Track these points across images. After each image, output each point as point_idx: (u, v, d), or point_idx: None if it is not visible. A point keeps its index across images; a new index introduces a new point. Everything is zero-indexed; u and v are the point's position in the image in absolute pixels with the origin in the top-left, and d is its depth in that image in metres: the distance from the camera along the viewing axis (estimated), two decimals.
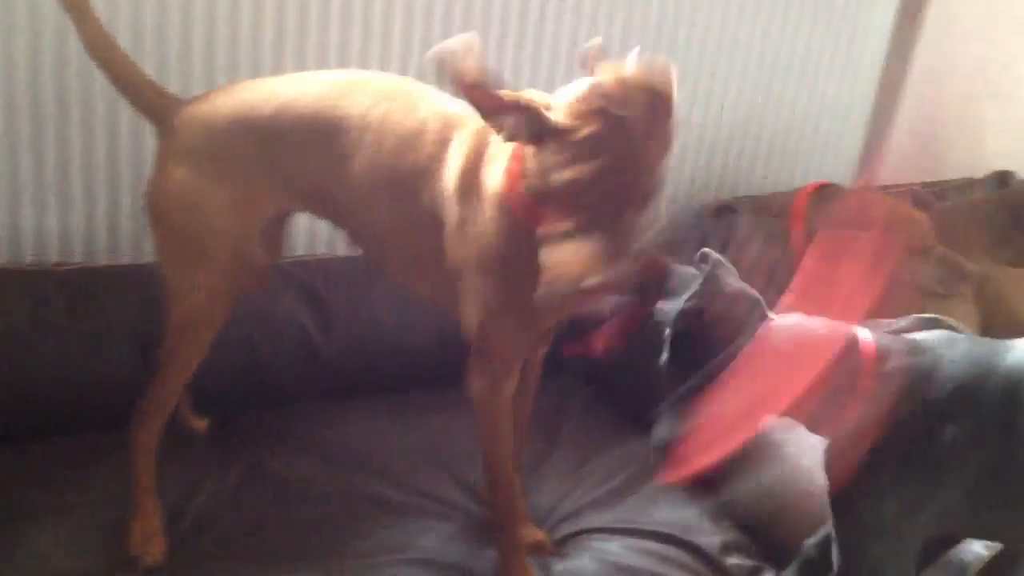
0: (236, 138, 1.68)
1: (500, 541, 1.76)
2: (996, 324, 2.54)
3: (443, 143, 1.63)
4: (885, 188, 3.10)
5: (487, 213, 1.58)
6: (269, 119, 1.68)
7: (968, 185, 3.22)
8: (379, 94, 1.68)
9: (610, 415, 2.26)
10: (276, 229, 1.87)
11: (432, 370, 2.18)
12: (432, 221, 1.64)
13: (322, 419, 2.09)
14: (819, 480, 1.61)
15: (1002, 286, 2.66)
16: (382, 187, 1.66)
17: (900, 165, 3.25)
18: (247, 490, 1.88)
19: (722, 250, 1.82)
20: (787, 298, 2.39)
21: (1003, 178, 3.24)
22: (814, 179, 2.94)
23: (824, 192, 2.59)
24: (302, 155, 1.69)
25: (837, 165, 3.06)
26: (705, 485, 2.02)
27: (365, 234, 1.76)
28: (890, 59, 3.01)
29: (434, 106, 1.67)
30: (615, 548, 1.86)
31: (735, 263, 1.51)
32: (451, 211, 1.61)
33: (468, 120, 1.63)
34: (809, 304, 1.48)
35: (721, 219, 2.63)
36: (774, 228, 2.56)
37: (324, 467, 1.97)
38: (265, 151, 1.69)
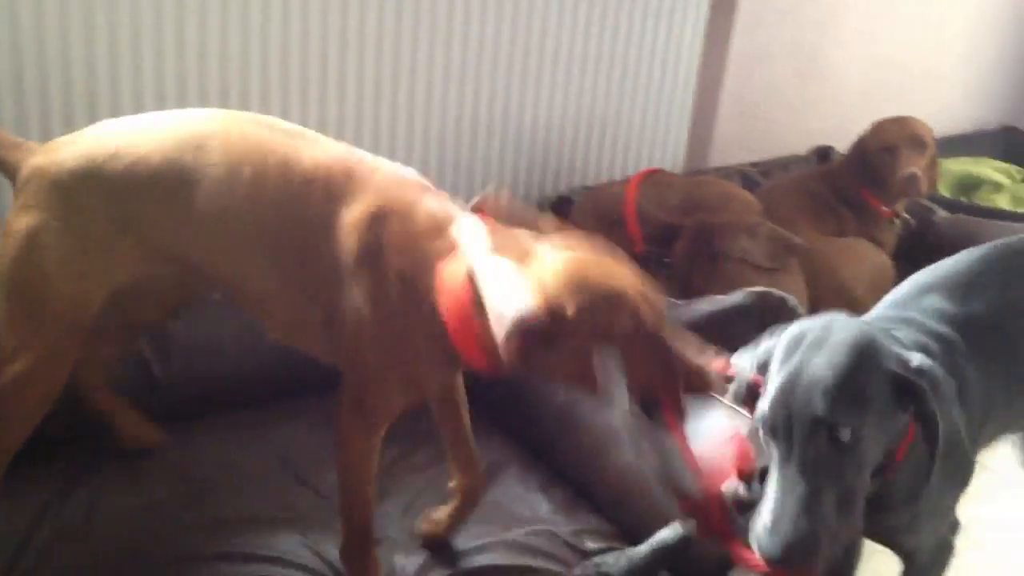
0: (83, 195, 1.55)
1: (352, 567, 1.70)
2: (824, 293, 2.66)
3: (332, 199, 1.53)
4: (715, 170, 3.22)
5: (403, 301, 1.50)
6: (120, 176, 1.54)
7: (792, 162, 3.37)
8: (246, 141, 1.56)
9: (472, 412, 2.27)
10: (162, 290, 1.77)
11: (276, 387, 2.16)
12: (320, 282, 1.54)
13: (166, 442, 2.04)
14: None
15: (828, 257, 2.79)
16: (260, 250, 1.56)
17: (727, 147, 3.37)
18: (91, 521, 1.83)
19: None
20: None
21: (823, 153, 3.41)
22: (645, 166, 3.04)
23: (654, 178, 2.68)
24: (160, 215, 1.56)
25: (667, 151, 3.15)
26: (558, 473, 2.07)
27: (240, 297, 1.66)
28: (708, 45, 3.11)
29: (314, 154, 1.56)
30: (476, 542, 1.88)
31: None
32: (350, 278, 1.52)
33: (356, 171, 1.55)
34: None
35: (560, 211, 2.69)
36: (608, 215, 2.64)
37: (173, 489, 1.92)
38: (115, 210, 1.55)
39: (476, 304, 1.40)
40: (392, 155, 2.56)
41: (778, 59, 3.37)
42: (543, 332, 1.33)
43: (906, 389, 1.33)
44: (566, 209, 2.70)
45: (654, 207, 2.62)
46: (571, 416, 2.07)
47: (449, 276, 1.45)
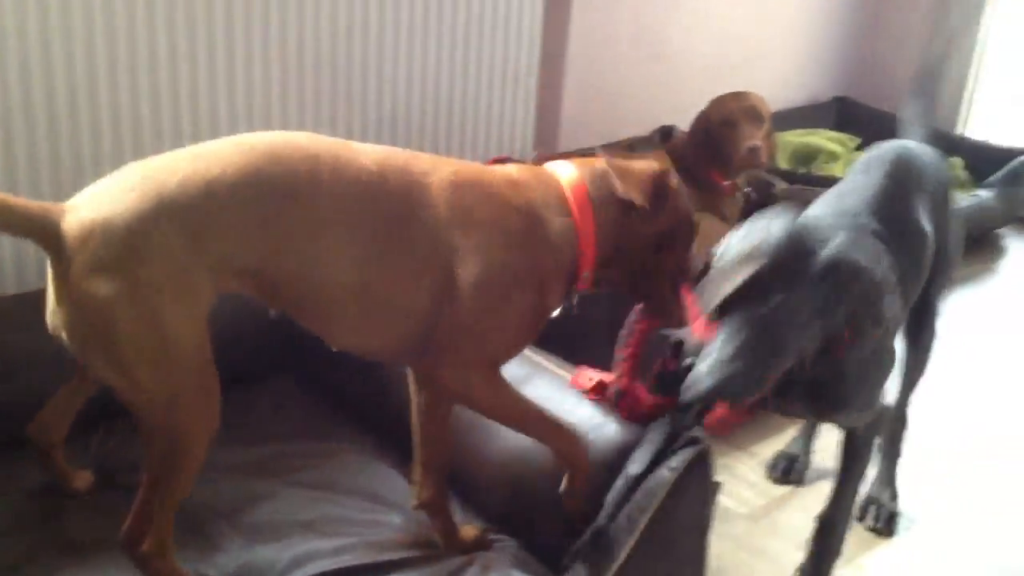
0: (159, 235, 1.48)
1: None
2: None
3: (411, 179, 1.63)
4: (563, 154, 3.25)
5: (528, 229, 1.68)
6: (196, 200, 1.50)
7: (637, 142, 3.42)
8: (309, 149, 1.60)
9: (328, 412, 2.25)
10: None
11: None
12: (421, 259, 1.62)
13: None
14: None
15: None
16: (352, 246, 1.58)
17: (574, 129, 3.41)
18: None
19: None
20: None
21: (666, 132, 3.48)
22: (494, 152, 3.06)
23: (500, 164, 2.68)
24: (242, 230, 1.54)
25: (515, 136, 3.16)
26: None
27: (313, 301, 1.63)
28: (548, 29, 3.14)
29: (366, 151, 1.65)
30: (356, 530, 1.86)
31: None
32: (461, 236, 1.63)
33: (410, 157, 1.67)
34: None
35: None
36: None
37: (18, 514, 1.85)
38: (193, 239, 1.51)
39: (593, 199, 1.72)
40: None
41: (619, 40, 3.43)
42: (664, 187, 1.74)
43: (835, 274, 1.71)
44: None
45: None
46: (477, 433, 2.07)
47: (568, 182, 1.73)
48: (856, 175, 2.14)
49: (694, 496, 1.73)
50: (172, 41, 2.35)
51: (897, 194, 2.05)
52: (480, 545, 1.87)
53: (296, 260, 1.58)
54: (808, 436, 2.49)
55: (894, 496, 2.38)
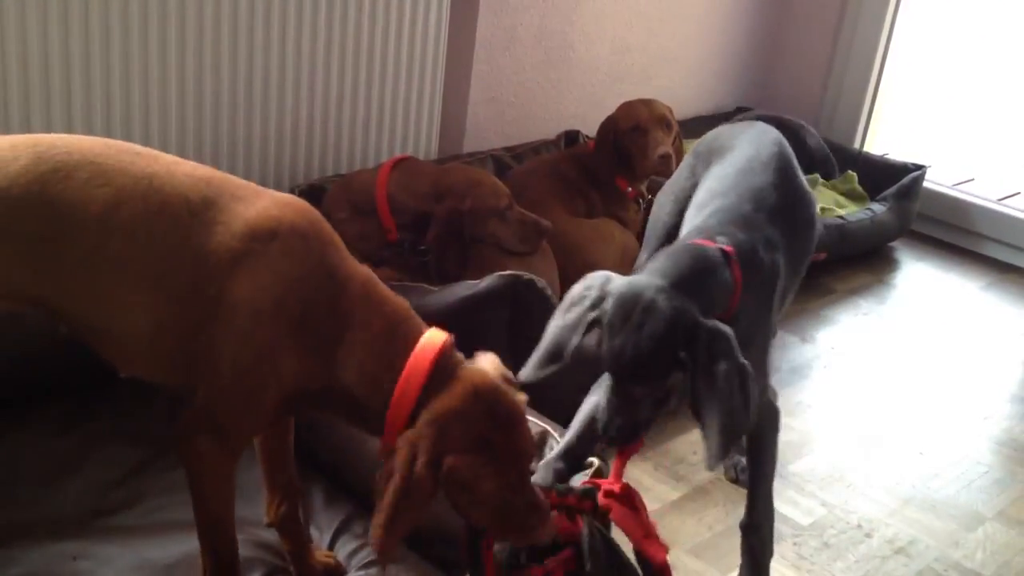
0: None
1: None
2: (574, 273, 2.72)
3: (210, 224, 1.47)
4: (469, 155, 3.25)
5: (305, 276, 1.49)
6: None
7: (543, 146, 3.44)
8: (113, 167, 1.47)
9: None
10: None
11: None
12: (194, 297, 1.47)
13: None
14: None
15: (577, 237, 2.87)
16: (140, 280, 1.47)
17: (480, 132, 3.41)
18: None
19: None
20: (385, 271, 2.46)
21: (571, 137, 3.49)
22: (399, 152, 3.04)
23: (403, 165, 2.67)
24: (23, 255, 1.45)
25: (420, 137, 3.14)
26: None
27: (95, 335, 1.53)
28: (454, 31, 3.13)
29: (179, 171, 1.51)
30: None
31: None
32: (239, 273, 1.46)
33: (222, 181, 1.52)
34: None
35: (312, 199, 2.63)
36: (360, 203, 2.61)
37: None
38: None
39: None
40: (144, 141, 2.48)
41: (526, 44, 3.43)
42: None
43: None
44: (318, 197, 2.65)
45: (405, 195, 2.61)
46: None
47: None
48: (731, 157, 2.14)
49: None
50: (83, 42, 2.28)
51: (781, 165, 2.07)
52: (333, 572, 1.81)
53: (77, 294, 1.48)
54: None
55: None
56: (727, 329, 1.65)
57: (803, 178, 2.14)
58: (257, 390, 1.49)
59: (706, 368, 1.62)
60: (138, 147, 1.55)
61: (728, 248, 1.81)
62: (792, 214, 2.02)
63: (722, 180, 2.08)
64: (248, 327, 1.45)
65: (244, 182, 1.56)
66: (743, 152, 2.14)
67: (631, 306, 1.65)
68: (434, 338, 1.51)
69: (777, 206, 1.98)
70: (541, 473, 1.76)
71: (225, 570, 1.60)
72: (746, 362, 1.65)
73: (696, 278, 1.73)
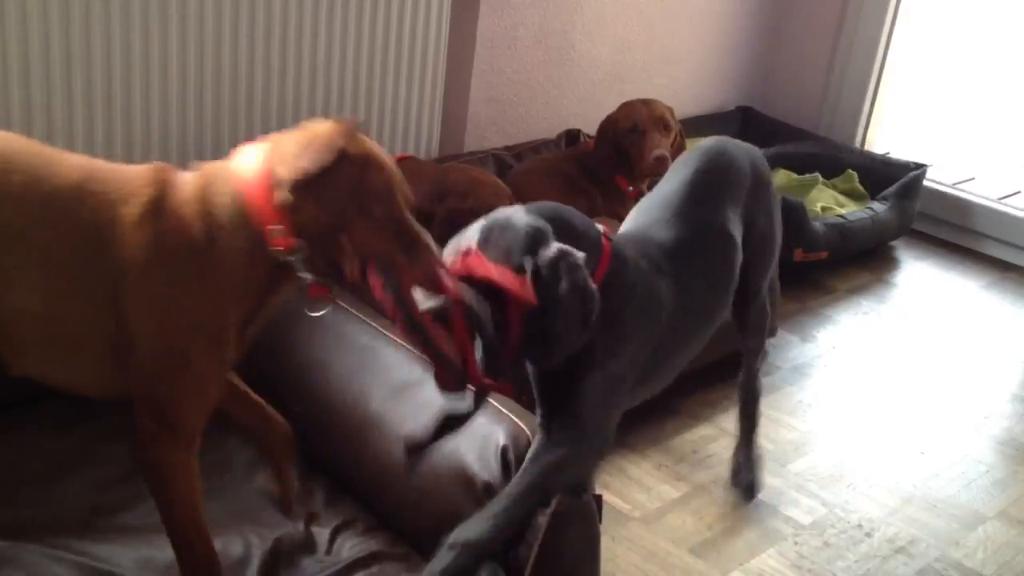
0: None
1: None
2: None
3: (108, 206, 1.48)
4: (470, 154, 3.25)
5: (199, 244, 1.49)
6: None
7: (543, 145, 3.44)
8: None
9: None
10: None
11: None
12: (104, 289, 1.48)
13: None
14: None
15: None
16: (30, 268, 1.46)
17: (481, 131, 3.40)
18: None
19: None
20: None
21: (572, 136, 3.49)
22: (400, 151, 3.04)
23: (404, 165, 2.65)
24: None
25: (421, 136, 3.15)
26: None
27: None
28: (455, 30, 3.12)
29: (70, 163, 1.52)
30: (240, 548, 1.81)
31: None
32: (144, 265, 1.47)
33: (114, 171, 1.53)
34: None
35: None
36: None
37: None
38: None
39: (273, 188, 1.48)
40: (144, 138, 2.49)
41: (527, 43, 3.43)
42: (313, 180, 1.44)
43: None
44: None
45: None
46: (327, 403, 2.04)
47: (243, 173, 1.50)
48: (666, 180, 2.15)
49: (577, 535, 1.70)
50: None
51: (702, 196, 2.06)
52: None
53: None
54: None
55: (752, 465, 2.45)
56: (580, 254, 1.66)
57: (730, 210, 2.10)
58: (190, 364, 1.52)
59: (547, 281, 1.63)
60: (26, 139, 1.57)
61: (605, 231, 1.85)
62: (697, 245, 2.00)
63: (640, 204, 2.14)
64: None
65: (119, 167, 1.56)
66: (670, 177, 2.15)
67: (494, 225, 1.70)
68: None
69: (675, 238, 1.98)
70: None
71: (206, 569, 1.61)
72: (594, 287, 1.66)
73: (564, 219, 1.77)
